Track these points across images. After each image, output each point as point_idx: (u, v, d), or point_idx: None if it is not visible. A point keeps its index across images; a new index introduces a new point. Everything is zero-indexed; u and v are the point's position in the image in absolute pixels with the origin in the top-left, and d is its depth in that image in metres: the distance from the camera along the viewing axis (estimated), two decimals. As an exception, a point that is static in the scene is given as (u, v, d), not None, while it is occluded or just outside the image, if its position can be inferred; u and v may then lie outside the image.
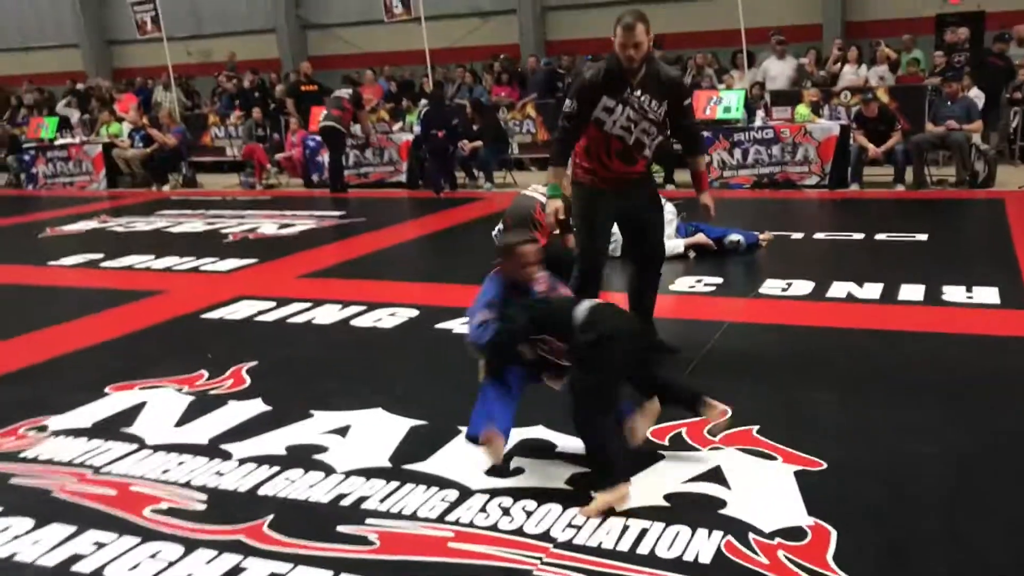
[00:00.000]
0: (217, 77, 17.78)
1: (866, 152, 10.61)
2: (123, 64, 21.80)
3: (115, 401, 4.63)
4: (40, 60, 22.24)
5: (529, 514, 3.24)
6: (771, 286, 6.38)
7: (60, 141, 15.60)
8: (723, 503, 3.28)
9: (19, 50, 22.69)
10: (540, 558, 2.96)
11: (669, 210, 7.46)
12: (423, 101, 13.69)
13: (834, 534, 3.03)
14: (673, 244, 7.35)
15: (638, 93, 4.46)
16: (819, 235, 8.20)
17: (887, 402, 4.18)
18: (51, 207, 13.03)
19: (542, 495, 3.38)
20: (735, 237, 7.50)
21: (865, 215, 9.40)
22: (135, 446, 4.04)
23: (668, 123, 4.64)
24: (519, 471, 3.61)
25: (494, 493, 3.42)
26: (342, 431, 4.08)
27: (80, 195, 14.41)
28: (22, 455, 4.01)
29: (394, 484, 3.53)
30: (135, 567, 3.01)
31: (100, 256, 8.78)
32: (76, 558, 3.10)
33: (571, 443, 3.81)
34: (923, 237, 7.79)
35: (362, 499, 3.43)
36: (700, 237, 7.42)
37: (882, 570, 2.83)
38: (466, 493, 3.43)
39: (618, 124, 4.51)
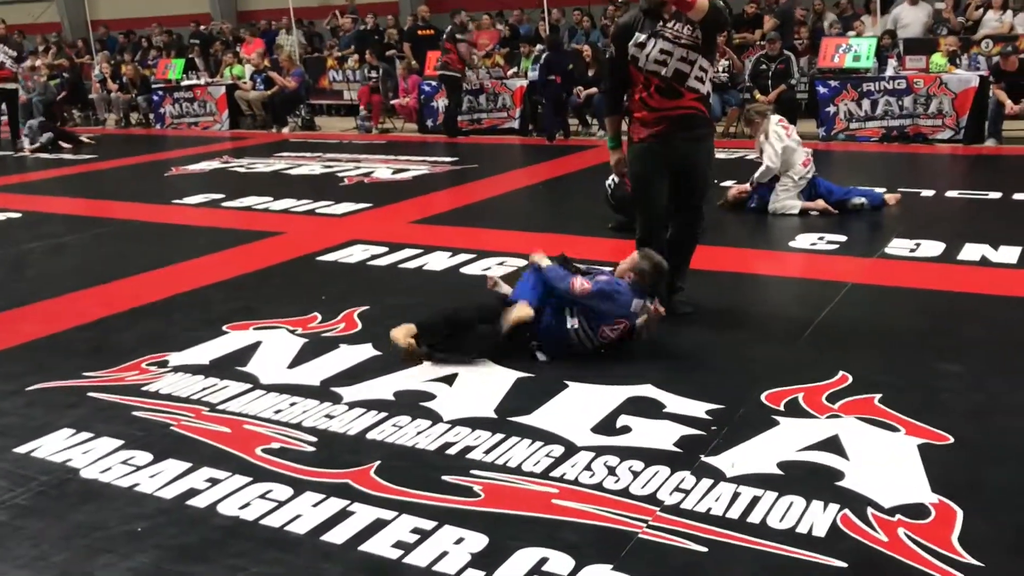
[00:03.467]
0: (339, 18, 17.91)
1: (1004, 107, 9.96)
2: (247, 7, 22.20)
3: (232, 340, 4.74)
4: (168, 3, 22.81)
5: (636, 475, 3.18)
6: (898, 246, 6.07)
7: (186, 82, 16.05)
8: (840, 474, 3.14)
9: (150, -8, 23.34)
10: (647, 521, 2.89)
11: (797, 171, 7.14)
12: (539, 46, 13.49)
13: (960, 514, 2.86)
14: (791, 204, 7.08)
15: (671, 24, 4.38)
16: (951, 193, 7.77)
17: (1022, 375, 3.93)
18: (177, 147, 13.45)
19: (650, 456, 3.30)
20: (858, 200, 7.13)
21: (1003, 173, 8.84)
22: (249, 385, 4.13)
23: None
24: (626, 430, 3.53)
25: (600, 451, 3.36)
26: (449, 380, 4.08)
27: (204, 135, 14.84)
28: (144, 388, 4.15)
29: (499, 436, 3.51)
30: (245, 506, 3.08)
31: (221, 196, 9.02)
32: (192, 493, 3.19)
33: (680, 404, 3.72)
34: (1068, 198, 7.29)
35: (467, 449, 3.42)
36: (820, 203, 7.08)
37: (1012, 556, 2.66)
38: (571, 449, 3.39)
39: (651, 58, 4.40)
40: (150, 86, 16.45)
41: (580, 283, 4.17)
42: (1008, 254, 5.73)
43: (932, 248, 5.96)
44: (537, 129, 12.83)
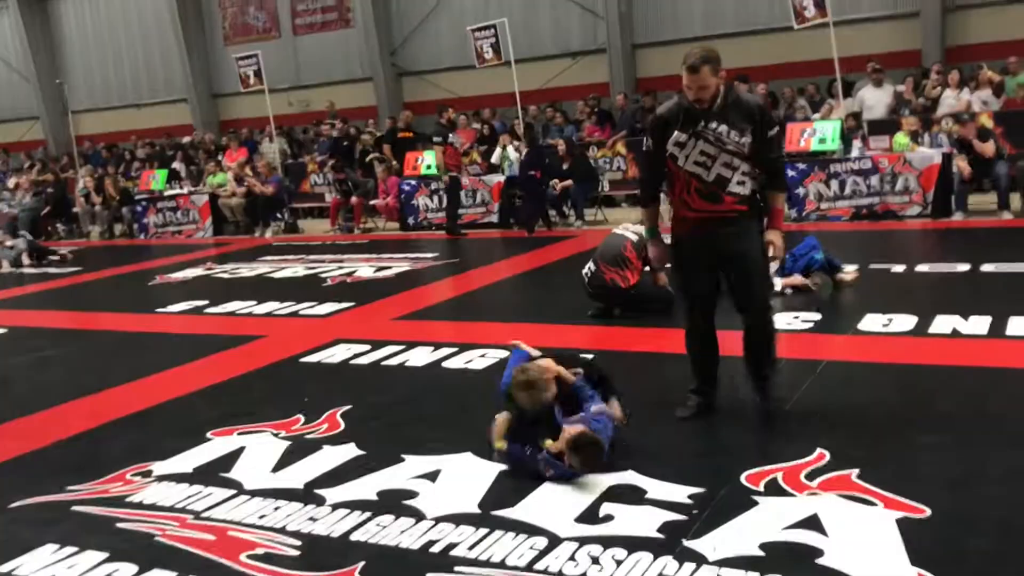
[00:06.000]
0: (317, 126, 18.34)
1: (965, 177, 10.25)
2: (228, 116, 22.69)
3: (215, 446, 4.76)
4: (150, 115, 23.32)
5: (619, 563, 3.20)
6: (871, 322, 6.18)
7: (169, 192, 16.30)
8: (821, 552, 3.17)
9: (130, 107, 23.87)
10: (630, 609, 2.91)
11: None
12: (514, 143, 13.87)
13: (939, 586, 2.90)
14: (771, 282, 7.20)
15: (714, 125, 4.22)
16: (922, 267, 7.93)
17: (997, 445, 3.99)
18: (161, 255, 13.58)
19: (632, 543, 3.33)
20: (818, 279, 7.21)
21: (970, 245, 9.06)
22: (233, 491, 4.14)
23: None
24: (608, 518, 3.56)
25: (583, 541, 3.38)
26: (432, 476, 4.11)
27: (188, 243, 15.00)
28: (128, 499, 4.15)
29: (483, 531, 3.53)
30: (231, 613, 3.08)
31: (205, 303, 9.10)
32: (176, 603, 3.19)
33: (662, 489, 3.75)
34: (1033, 267, 7.46)
35: (451, 546, 3.43)
36: (797, 278, 7.23)
37: (992, 626, 2.69)
38: (555, 541, 3.41)
39: (691, 159, 4.27)
40: (133, 198, 16.68)
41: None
42: (978, 325, 5.85)
43: (905, 322, 6.08)
44: (517, 222, 13.07)
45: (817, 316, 6.46)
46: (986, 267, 7.63)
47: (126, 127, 23.06)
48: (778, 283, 7.20)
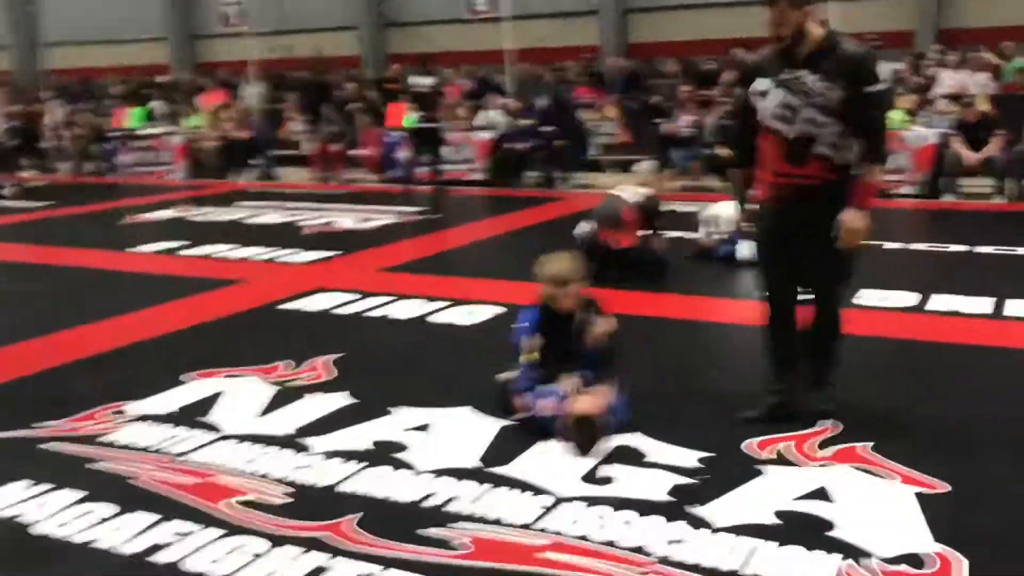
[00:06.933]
0: (296, 72, 17.92)
1: (962, 161, 10.16)
2: (206, 58, 22.13)
3: (193, 389, 4.53)
4: (126, 53, 22.67)
5: (628, 525, 3.04)
6: (867, 297, 6.05)
7: (144, 131, 15.84)
8: (837, 525, 3.03)
9: (106, 43, 23.17)
10: (644, 573, 2.75)
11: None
12: (500, 100, 13.59)
13: (966, 564, 2.76)
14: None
15: (803, 73, 3.62)
16: (916, 245, 7.83)
17: (1010, 423, 3.87)
18: (132, 195, 13.19)
19: (641, 506, 3.17)
20: None
21: (964, 227, 8.96)
22: (215, 435, 3.93)
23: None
24: (614, 480, 3.40)
25: (590, 501, 3.22)
26: (429, 429, 3.92)
27: (161, 184, 14.59)
28: (100, 439, 3.93)
29: (485, 486, 3.36)
30: (216, 560, 2.89)
31: (178, 244, 8.80)
32: (156, 548, 2.98)
33: (669, 453, 3.60)
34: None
35: (451, 500, 3.26)
36: None
37: (1025, 607, 2.57)
38: (558, 500, 3.24)
39: (771, 112, 3.69)
40: (105, 135, 16.19)
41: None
42: (979, 305, 5.73)
43: (902, 298, 5.95)
44: (502, 178, 12.81)
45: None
46: (981, 249, 7.54)
47: (101, 63, 22.40)
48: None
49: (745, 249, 7.10)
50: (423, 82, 12.63)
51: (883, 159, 3.74)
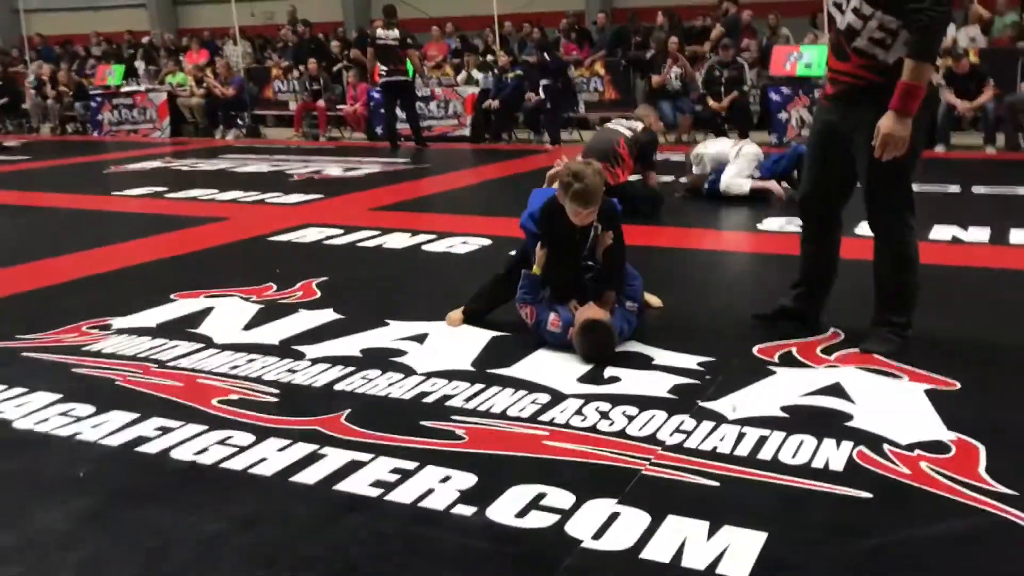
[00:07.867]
0: (280, 31, 17.61)
1: (955, 110, 10.06)
2: (187, 24, 21.76)
3: (181, 306, 4.40)
4: (107, 18, 22.26)
5: (631, 418, 2.94)
6: (866, 228, 5.94)
7: (126, 88, 15.55)
8: (849, 416, 2.94)
9: (87, 9, 22.76)
10: (648, 459, 2.65)
11: (750, 151, 7.12)
12: (489, 58, 13.39)
13: (983, 450, 2.67)
14: (740, 182, 6.97)
15: None
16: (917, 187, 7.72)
17: (1011, 334, 3.78)
18: (115, 150, 12.95)
19: (643, 402, 3.07)
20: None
21: (957, 173, 8.87)
22: (202, 344, 3.81)
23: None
24: (615, 379, 3.30)
25: (590, 398, 3.11)
26: (420, 338, 3.81)
27: (144, 141, 14.35)
28: (85, 349, 3.80)
29: (479, 386, 3.25)
30: (202, 451, 2.77)
31: (164, 189, 8.62)
32: (141, 440, 2.87)
33: (670, 357, 3.50)
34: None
35: (446, 398, 3.15)
36: (772, 184, 6.98)
37: (1045, 485, 2.47)
38: (559, 397, 3.14)
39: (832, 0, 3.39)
40: (87, 92, 15.90)
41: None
42: (978, 234, 5.65)
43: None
44: (492, 137, 12.65)
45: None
46: (977, 188, 7.46)
47: (82, 30, 21.97)
48: (747, 185, 6.96)
49: (724, 182, 7.01)
50: (388, 35, 12.29)
51: (929, 56, 3.15)
